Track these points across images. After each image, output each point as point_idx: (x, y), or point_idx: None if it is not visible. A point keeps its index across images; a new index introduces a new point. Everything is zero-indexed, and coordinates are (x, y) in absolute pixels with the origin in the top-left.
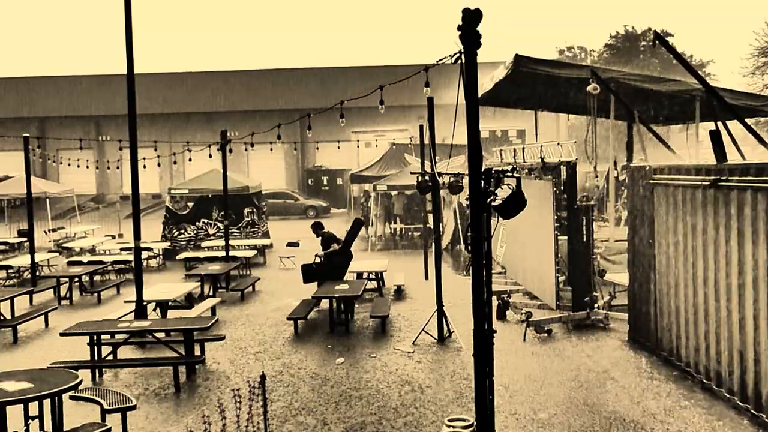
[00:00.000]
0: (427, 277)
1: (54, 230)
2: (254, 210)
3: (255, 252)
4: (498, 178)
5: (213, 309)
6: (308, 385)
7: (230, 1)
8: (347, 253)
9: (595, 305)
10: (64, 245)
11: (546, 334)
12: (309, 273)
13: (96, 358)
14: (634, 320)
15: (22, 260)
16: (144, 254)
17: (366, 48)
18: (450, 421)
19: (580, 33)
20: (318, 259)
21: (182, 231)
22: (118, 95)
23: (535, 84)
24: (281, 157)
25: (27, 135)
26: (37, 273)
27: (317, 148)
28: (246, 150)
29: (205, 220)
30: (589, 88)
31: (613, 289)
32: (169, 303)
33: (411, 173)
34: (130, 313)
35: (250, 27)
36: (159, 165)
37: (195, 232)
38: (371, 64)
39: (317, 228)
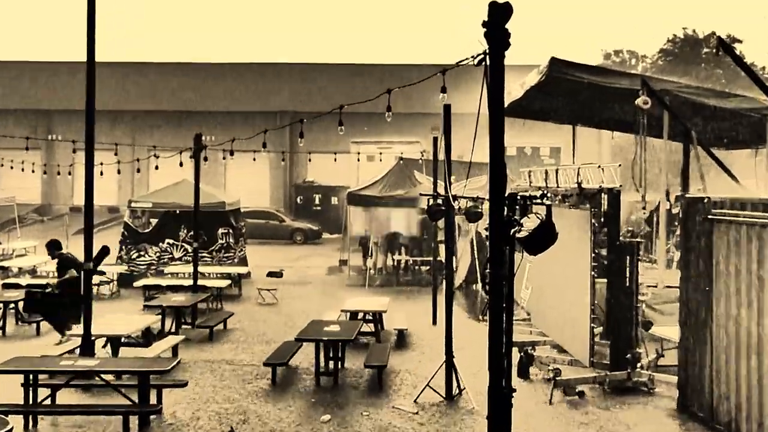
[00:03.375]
0: (435, 322)
1: None
2: (230, 231)
3: (229, 282)
4: (525, 204)
5: (175, 349)
6: None
7: None
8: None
9: (638, 364)
10: None
11: (577, 397)
12: (32, 303)
13: (31, 402)
14: (684, 384)
15: None
16: (95, 279)
17: (373, 44)
18: None
19: (631, 35)
20: (48, 288)
21: (142, 253)
22: (74, 87)
23: (574, 93)
24: (266, 168)
25: None
26: None
27: (309, 160)
28: (224, 158)
29: (171, 241)
30: (639, 101)
31: (661, 346)
32: (123, 339)
33: (421, 194)
34: (74, 349)
35: (234, 18)
36: (119, 172)
37: (157, 254)
38: (378, 62)
39: (53, 248)
